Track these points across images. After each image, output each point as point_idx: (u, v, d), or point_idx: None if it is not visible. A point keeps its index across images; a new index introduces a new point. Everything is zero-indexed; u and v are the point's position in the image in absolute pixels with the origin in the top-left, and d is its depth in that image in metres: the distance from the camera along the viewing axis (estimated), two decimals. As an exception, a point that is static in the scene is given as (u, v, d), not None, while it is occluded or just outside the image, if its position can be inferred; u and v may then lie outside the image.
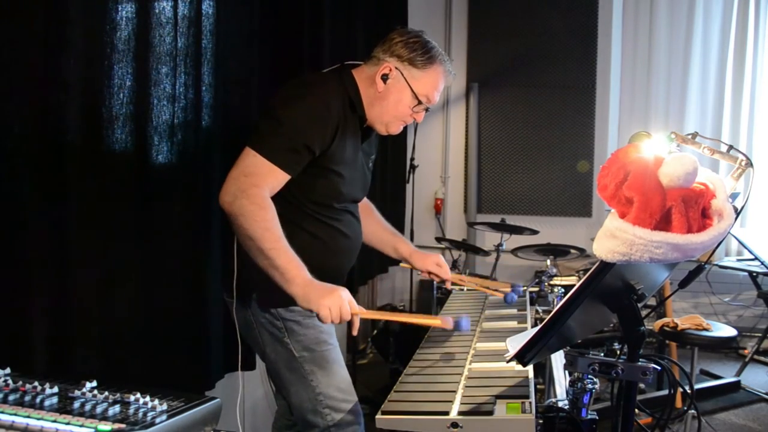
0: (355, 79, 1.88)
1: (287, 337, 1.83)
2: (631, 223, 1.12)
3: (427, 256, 2.21)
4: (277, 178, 1.72)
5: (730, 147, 1.37)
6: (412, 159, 4.92)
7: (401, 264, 2.30)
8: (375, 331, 4.14)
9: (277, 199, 1.74)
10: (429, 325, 1.96)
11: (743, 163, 1.33)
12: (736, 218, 1.17)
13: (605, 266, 1.17)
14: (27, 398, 1.05)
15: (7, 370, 1.15)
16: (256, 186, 1.67)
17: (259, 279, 1.69)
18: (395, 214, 5.03)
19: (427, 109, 1.92)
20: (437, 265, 2.19)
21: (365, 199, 2.14)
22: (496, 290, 2.35)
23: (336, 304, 1.61)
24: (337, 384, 1.85)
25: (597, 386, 1.46)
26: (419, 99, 1.86)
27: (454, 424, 1.32)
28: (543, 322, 1.27)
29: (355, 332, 1.70)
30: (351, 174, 1.88)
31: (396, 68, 1.83)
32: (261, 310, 1.83)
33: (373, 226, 2.21)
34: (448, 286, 2.26)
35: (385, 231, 2.24)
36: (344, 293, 1.64)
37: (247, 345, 1.94)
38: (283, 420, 2.20)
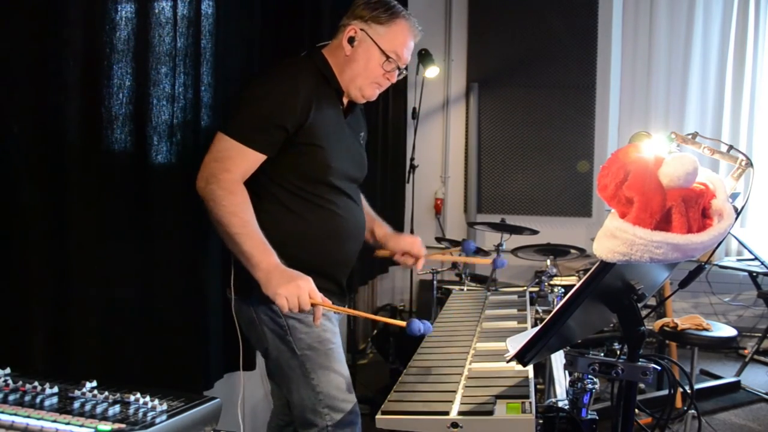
0: (325, 56, 1.90)
1: (289, 335, 1.83)
2: (631, 223, 1.12)
3: (401, 236, 2.17)
4: (249, 159, 1.73)
5: (730, 147, 1.37)
6: (412, 159, 4.92)
7: (377, 252, 2.22)
8: (375, 331, 4.14)
9: (267, 183, 1.77)
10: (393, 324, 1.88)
11: (743, 163, 1.33)
12: (736, 218, 1.17)
13: (605, 266, 1.17)
14: (27, 398, 1.05)
15: (7, 370, 1.15)
16: (226, 171, 1.69)
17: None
18: (395, 214, 5.03)
19: (400, 70, 1.90)
20: (411, 243, 2.14)
21: None
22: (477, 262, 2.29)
23: (293, 293, 1.60)
24: (338, 384, 1.84)
25: (597, 386, 1.46)
26: (388, 55, 1.85)
27: (454, 424, 1.31)
28: (543, 322, 1.27)
29: (316, 323, 1.69)
30: (337, 147, 1.86)
31: (361, 29, 1.85)
32: (263, 306, 1.82)
33: None
34: (419, 266, 2.16)
35: (366, 213, 2.17)
36: (304, 282, 1.62)
37: (248, 344, 1.93)
38: (276, 419, 2.20)
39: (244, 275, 1.78)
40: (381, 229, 2.18)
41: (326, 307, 1.68)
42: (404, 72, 1.92)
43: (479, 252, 2.21)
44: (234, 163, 1.71)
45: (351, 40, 1.85)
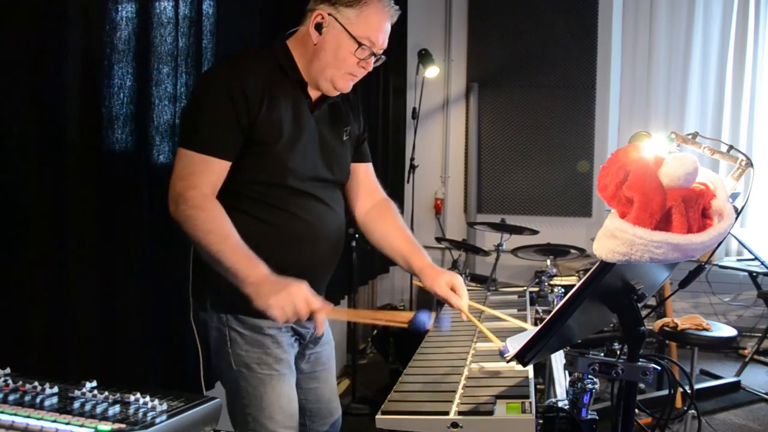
0: (287, 45, 1.72)
1: (229, 346, 1.69)
2: (631, 223, 1.12)
3: (438, 275, 1.81)
4: (215, 169, 1.59)
5: (730, 147, 1.37)
6: (412, 159, 4.93)
7: (414, 281, 1.96)
8: (375, 331, 4.14)
9: (223, 188, 1.61)
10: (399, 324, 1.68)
11: (743, 163, 1.33)
12: (736, 218, 1.17)
13: (605, 266, 1.17)
14: (27, 398, 1.05)
15: (7, 370, 1.15)
16: (193, 188, 1.55)
17: (212, 281, 1.63)
18: (395, 214, 5.03)
19: (376, 56, 1.70)
20: (451, 288, 1.80)
21: (385, 198, 1.98)
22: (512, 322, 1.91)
23: (288, 301, 1.47)
24: (270, 414, 1.68)
25: (597, 386, 1.46)
26: (360, 42, 1.65)
27: (454, 424, 1.31)
28: (543, 322, 1.27)
29: (319, 331, 1.57)
30: (295, 147, 1.67)
31: (329, 14, 1.64)
32: (214, 312, 1.70)
33: (384, 229, 1.92)
34: (464, 317, 1.82)
35: (398, 237, 1.91)
36: (297, 288, 1.49)
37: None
38: None
39: (200, 280, 1.70)
40: (418, 259, 1.86)
41: (331, 315, 1.57)
42: (382, 58, 1.72)
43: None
44: (199, 178, 1.57)
45: (318, 27, 1.65)
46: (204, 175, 1.58)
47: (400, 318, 1.66)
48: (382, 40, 1.69)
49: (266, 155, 1.64)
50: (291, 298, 1.48)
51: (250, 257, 1.52)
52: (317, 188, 1.74)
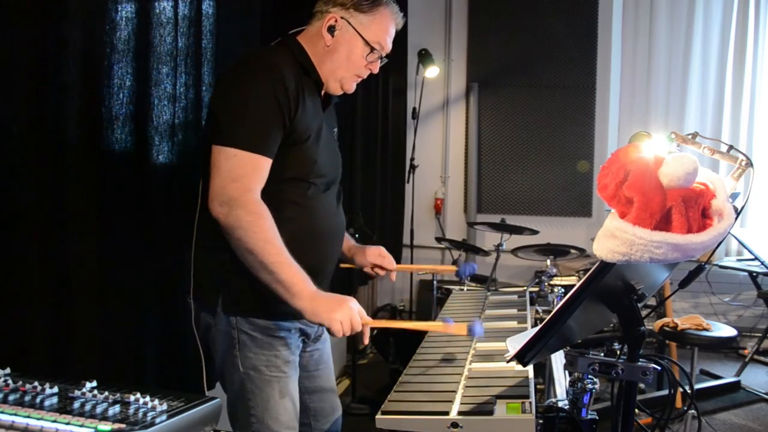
0: (301, 44, 1.75)
1: (237, 349, 1.69)
2: (631, 223, 1.12)
3: (366, 249, 2.00)
4: (264, 168, 1.59)
5: (730, 147, 1.37)
6: (412, 159, 4.93)
7: (340, 264, 2.02)
8: (375, 331, 4.14)
9: None
10: (439, 332, 1.81)
11: (743, 163, 1.33)
12: (736, 218, 1.17)
13: (605, 266, 1.17)
14: (27, 398, 1.05)
15: (7, 370, 1.15)
16: (248, 191, 1.55)
17: (224, 285, 1.64)
18: (395, 214, 5.04)
19: (381, 58, 1.77)
20: (380, 255, 2.00)
21: None
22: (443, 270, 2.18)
23: (347, 316, 1.54)
24: (274, 414, 1.70)
25: (597, 386, 1.46)
26: (372, 46, 1.72)
27: (454, 424, 1.31)
28: (543, 322, 1.27)
29: (366, 341, 1.63)
30: (318, 145, 1.72)
31: (342, 18, 1.70)
32: (223, 315, 1.69)
33: None
34: (392, 278, 2.06)
35: None
36: (353, 303, 1.57)
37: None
38: None
39: (207, 283, 1.69)
40: (346, 242, 2.00)
41: (375, 325, 1.64)
42: (385, 59, 1.79)
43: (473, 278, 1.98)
44: (252, 179, 1.56)
45: (331, 30, 1.71)
46: (256, 177, 1.58)
47: (454, 330, 1.64)
48: (389, 44, 1.76)
49: (297, 152, 1.67)
50: (351, 312, 1.54)
51: (301, 272, 1.55)
52: (331, 186, 1.79)
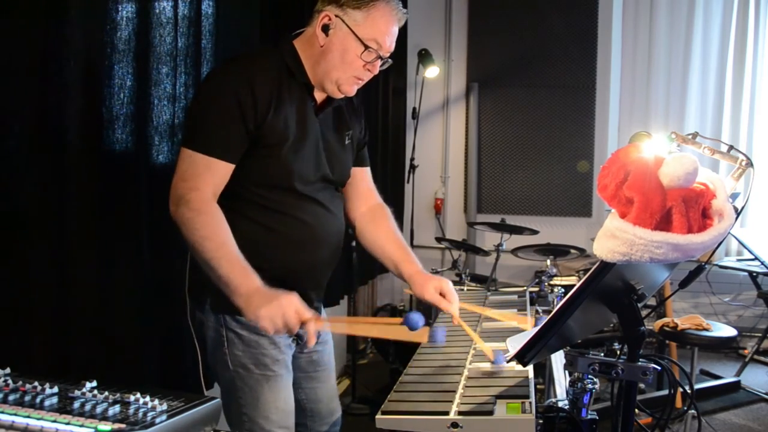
0: (294, 46, 1.69)
1: (226, 346, 1.68)
2: (631, 223, 1.12)
3: (427, 281, 1.81)
4: (219, 171, 1.57)
5: (731, 147, 1.37)
6: (412, 159, 4.93)
7: (405, 290, 1.93)
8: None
9: (225, 190, 1.59)
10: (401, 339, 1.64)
11: (743, 163, 1.33)
12: (736, 218, 1.17)
13: (605, 266, 1.17)
14: (27, 398, 1.05)
15: (7, 370, 1.15)
16: (194, 189, 1.53)
17: (211, 283, 1.60)
18: (395, 214, 5.03)
19: (383, 59, 1.68)
20: (440, 293, 1.80)
21: (380, 204, 1.97)
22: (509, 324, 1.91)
23: (277, 313, 1.44)
24: (266, 413, 1.67)
25: (597, 386, 1.46)
26: (367, 45, 1.62)
27: (454, 424, 1.31)
28: (543, 322, 1.27)
29: (311, 343, 1.50)
30: (299, 150, 1.65)
31: (336, 16, 1.62)
32: (212, 313, 1.69)
33: (377, 233, 1.92)
34: (455, 322, 1.81)
35: (390, 243, 1.91)
36: (287, 300, 1.46)
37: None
38: None
39: (198, 281, 1.67)
40: (408, 266, 1.86)
41: (324, 326, 1.56)
42: (388, 61, 1.70)
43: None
44: (202, 179, 1.54)
45: (325, 29, 1.63)
46: (207, 177, 1.55)
47: (393, 322, 1.64)
48: (389, 43, 1.67)
49: (271, 158, 1.63)
50: (281, 309, 1.45)
51: (244, 268, 1.50)
52: (319, 192, 1.73)
